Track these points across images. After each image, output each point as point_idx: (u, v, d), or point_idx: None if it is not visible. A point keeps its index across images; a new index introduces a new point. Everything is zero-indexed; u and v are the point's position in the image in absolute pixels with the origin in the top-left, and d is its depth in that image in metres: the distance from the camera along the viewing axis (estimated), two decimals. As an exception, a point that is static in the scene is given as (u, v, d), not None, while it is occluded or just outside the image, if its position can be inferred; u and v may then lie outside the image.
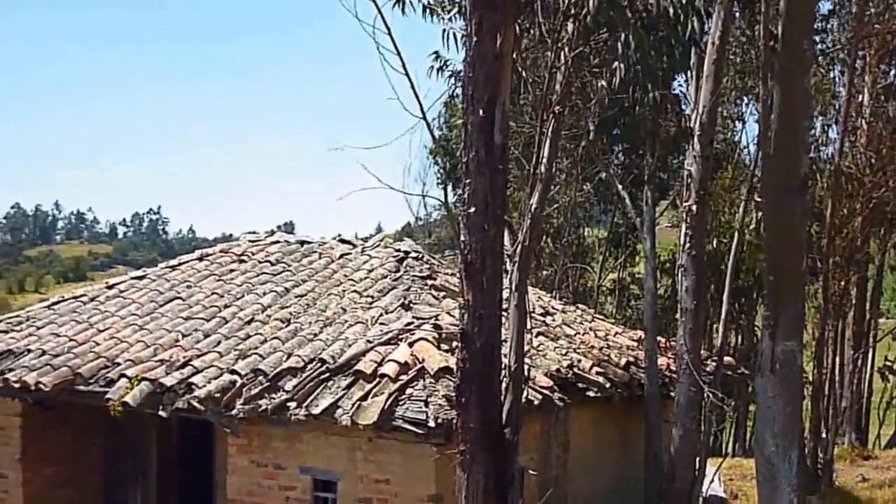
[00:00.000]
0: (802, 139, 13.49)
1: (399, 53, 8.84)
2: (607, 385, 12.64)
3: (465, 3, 8.08)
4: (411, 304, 12.61)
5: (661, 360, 14.17)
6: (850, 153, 20.25)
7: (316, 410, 10.38)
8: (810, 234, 18.02)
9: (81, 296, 14.96)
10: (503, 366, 8.45)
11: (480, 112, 7.86)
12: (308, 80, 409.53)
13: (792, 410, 12.97)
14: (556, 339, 13.56)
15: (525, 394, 9.41)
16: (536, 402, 10.96)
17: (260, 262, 15.37)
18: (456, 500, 8.28)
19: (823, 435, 19.63)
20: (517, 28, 9.37)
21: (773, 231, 13.23)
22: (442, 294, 13.22)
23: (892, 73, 22.68)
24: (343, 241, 16.14)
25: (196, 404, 10.95)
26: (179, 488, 14.02)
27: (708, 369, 14.10)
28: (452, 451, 8.34)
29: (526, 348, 9.00)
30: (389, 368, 10.59)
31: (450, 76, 16.78)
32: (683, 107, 15.19)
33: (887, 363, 27.07)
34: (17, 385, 12.15)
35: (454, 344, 9.37)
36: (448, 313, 12.00)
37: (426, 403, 9.98)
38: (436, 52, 15.96)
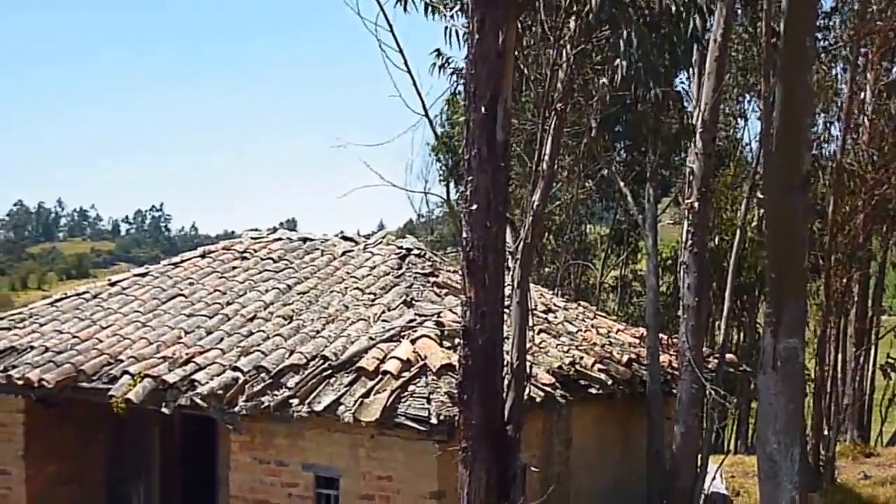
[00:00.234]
0: (804, 136, 13.48)
1: (401, 51, 8.87)
2: (609, 382, 12.66)
3: (468, 0, 8.09)
4: (413, 301, 12.62)
5: (663, 357, 14.18)
6: (853, 150, 20.22)
7: (318, 407, 10.40)
8: (812, 232, 18.00)
9: (84, 293, 14.99)
10: (505, 363, 8.46)
11: (482, 109, 7.86)
12: (310, 77, 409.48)
13: (794, 407, 12.97)
14: (558, 337, 13.57)
15: (527, 391, 9.43)
16: (538, 399, 10.98)
17: (262, 260, 15.39)
18: (458, 496, 8.28)
19: (825, 432, 19.63)
20: (519, 25, 9.39)
21: (775, 228, 13.22)
22: (444, 291, 13.23)
23: (895, 69, 22.68)
24: (345, 239, 16.15)
25: (199, 401, 10.98)
26: (182, 485, 14.05)
27: (710, 366, 14.11)
28: (455, 447, 8.35)
29: (528, 345, 9.01)
30: (392, 365, 10.61)
31: (451, 73, 16.80)
32: (685, 104, 15.19)
33: (889, 360, 27.01)
34: (20, 382, 12.19)
35: (456, 341, 9.37)
36: (450, 310, 12.02)
37: (428, 400, 10.00)
38: (437, 50, 16.00)
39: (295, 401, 10.59)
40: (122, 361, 12.05)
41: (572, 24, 9.82)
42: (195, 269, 15.42)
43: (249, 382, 11.03)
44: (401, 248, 14.94)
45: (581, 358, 12.76)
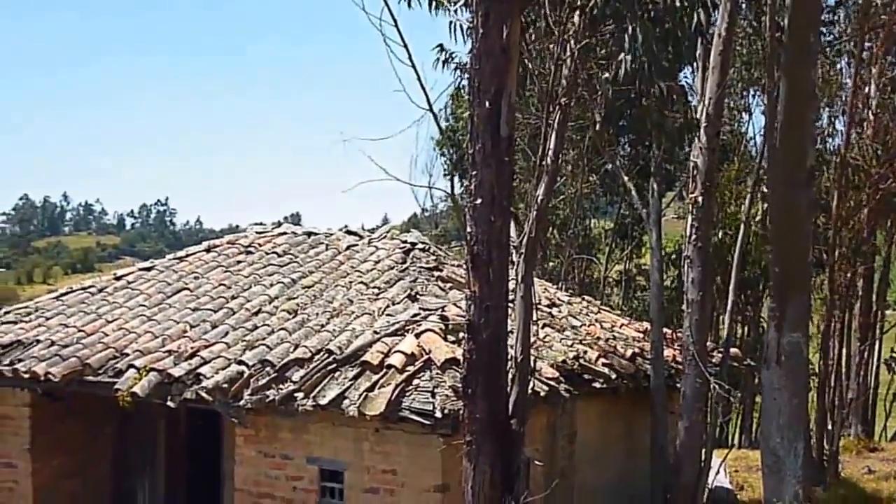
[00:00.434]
0: (809, 131, 13.51)
1: (406, 45, 8.84)
2: (613, 376, 12.67)
3: (472, -5, 8.11)
4: (418, 296, 12.64)
5: (667, 352, 14.18)
6: (857, 145, 20.19)
7: (323, 401, 10.42)
8: (817, 226, 17.97)
9: (90, 287, 15.03)
10: (509, 357, 8.49)
11: (487, 104, 7.89)
12: (315, 73, 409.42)
13: (798, 402, 13.01)
14: (562, 331, 13.59)
15: (531, 385, 9.43)
16: (543, 394, 11.00)
17: (267, 254, 15.42)
18: (462, 490, 8.32)
19: (829, 427, 19.63)
20: (523, 20, 9.40)
21: (779, 223, 13.25)
22: (448, 285, 13.25)
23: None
24: (350, 233, 16.18)
25: (204, 395, 11.01)
26: (187, 478, 14.09)
27: (714, 361, 14.12)
28: (459, 441, 8.39)
29: (532, 340, 9.03)
30: (396, 359, 10.63)
31: (455, 68, 16.78)
32: (690, 98, 15.17)
33: (894, 355, 27.02)
34: (26, 375, 12.23)
35: (461, 335, 9.41)
36: (454, 304, 12.04)
37: (433, 394, 10.02)
38: (440, 45, 15.97)
39: (300, 395, 10.62)
40: (127, 355, 12.09)
41: (576, 19, 9.83)
42: (200, 263, 15.46)
43: (254, 376, 11.06)
44: (405, 242, 14.96)
45: (585, 352, 12.78)
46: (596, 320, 15.30)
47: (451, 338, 11.11)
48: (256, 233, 16.68)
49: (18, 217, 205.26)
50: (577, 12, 9.84)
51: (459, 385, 8.67)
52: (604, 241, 32.26)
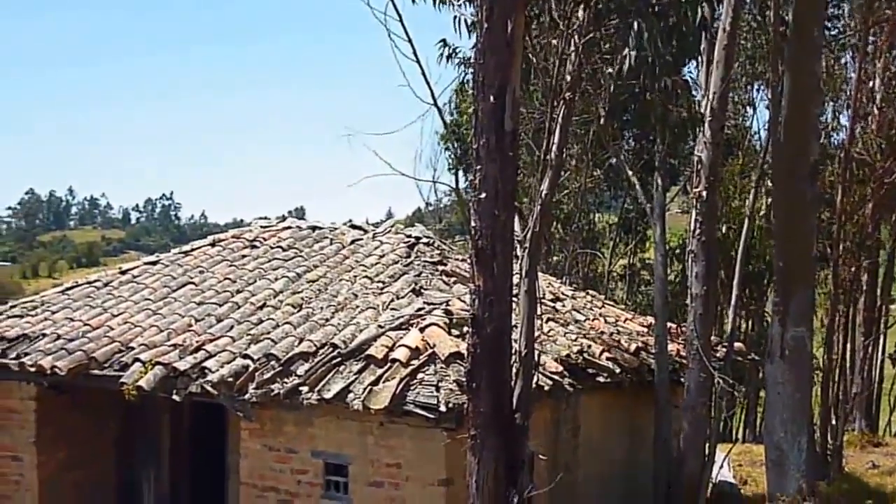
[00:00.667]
0: (813, 125, 13.52)
1: (410, 40, 8.87)
2: (617, 371, 12.69)
3: (476, -10, 8.12)
4: (422, 290, 12.67)
5: (672, 346, 14.19)
6: (861, 139, 20.15)
7: (328, 395, 10.46)
8: (821, 220, 17.96)
9: (95, 281, 15.07)
10: (514, 351, 8.51)
11: (491, 99, 7.90)
12: (319, 69, 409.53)
13: (801, 396, 13.03)
14: (566, 325, 13.60)
15: (535, 379, 9.48)
16: (546, 388, 11.02)
17: (272, 248, 15.44)
18: (466, 484, 8.35)
19: (833, 421, 19.62)
20: (527, 14, 9.41)
21: (783, 217, 13.26)
22: (453, 279, 13.27)
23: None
24: (354, 227, 16.20)
25: (209, 388, 11.05)
26: (192, 471, 14.13)
27: (718, 355, 14.12)
28: (463, 435, 8.41)
29: (536, 334, 9.06)
30: (401, 353, 10.66)
31: (460, 63, 16.81)
32: (694, 93, 15.19)
33: (898, 349, 27.05)
34: (32, 369, 12.28)
35: (465, 329, 9.43)
36: (459, 299, 12.06)
37: (437, 388, 10.05)
38: (443, 40, 16.01)
39: (304, 388, 10.66)
40: (133, 349, 12.13)
41: (581, 13, 9.84)
42: (205, 257, 15.49)
43: (259, 370, 11.10)
44: (410, 236, 14.98)
45: (589, 346, 12.79)
46: (600, 314, 15.31)
47: (455, 332, 11.13)
48: (261, 227, 16.70)
49: (24, 211, 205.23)
50: (582, 7, 9.86)
51: (464, 379, 8.69)
52: (608, 235, 32.24)
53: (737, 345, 15.48)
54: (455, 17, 13.22)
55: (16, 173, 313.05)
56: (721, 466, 15.78)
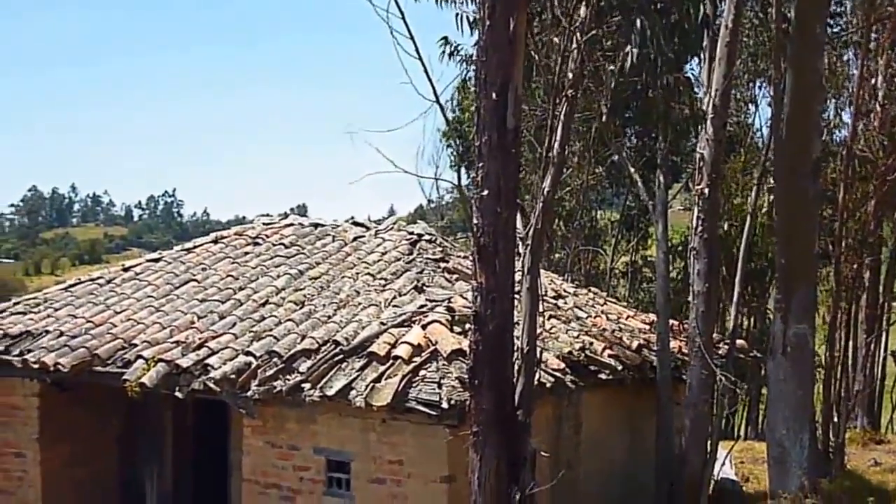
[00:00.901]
0: (815, 122, 13.50)
1: (412, 38, 8.89)
2: (619, 368, 12.70)
3: (479, -13, 8.12)
4: (424, 287, 12.68)
5: (674, 343, 14.20)
6: (864, 136, 20.12)
7: (330, 392, 10.47)
8: (823, 217, 17.94)
9: (98, 278, 15.09)
10: (515, 348, 8.53)
11: (493, 96, 7.91)
12: (321, 67, 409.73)
13: (803, 393, 13.03)
14: (568, 322, 13.62)
15: (537, 376, 9.49)
16: (548, 385, 11.03)
17: (274, 245, 15.46)
18: (468, 481, 8.36)
19: (835, 418, 19.59)
20: (529, 12, 9.41)
21: (785, 214, 13.26)
22: (455, 277, 13.28)
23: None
24: (356, 224, 16.21)
25: (212, 385, 11.06)
26: (194, 468, 14.15)
27: (720, 352, 14.14)
28: (465, 432, 8.42)
29: (538, 331, 9.06)
30: (403, 350, 10.67)
31: (461, 61, 16.83)
32: (696, 90, 15.19)
33: (900, 347, 27.00)
34: (35, 366, 12.30)
35: (467, 326, 9.43)
36: (461, 296, 12.07)
37: (439, 385, 10.06)
38: (444, 38, 16.04)
39: (307, 385, 10.67)
40: (136, 346, 12.15)
41: (583, 11, 9.84)
42: (208, 254, 15.51)
43: (262, 367, 11.11)
44: (412, 233, 14.99)
45: (591, 343, 12.80)
46: (602, 312, 15.33)
47: (457, 329, 11.15)
48: (263, 224, 16.72)
49: (27, 208, 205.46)
50: (584, 4, 9.85)
51: (466, 376, 8.70)
52: (610, 232, 32.22)
53: (739, 342, 15.50)
54: (457, 14, 13.28)
55: (19, 170, 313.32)
56: (723, 464, 15.79)
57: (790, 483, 12.64)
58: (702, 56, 14.03)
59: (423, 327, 11.20)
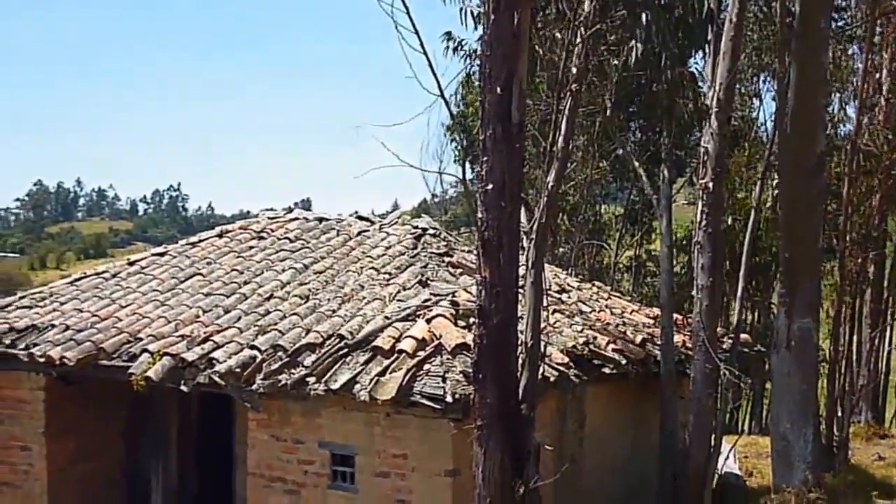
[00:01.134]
0: (820, 116, 13.53)
1: (417, 32, 8.85)
2: (623, 362, 12.70)
3: (483, -19, 8.13)
4: (429, 281, 12.69)
5: (677, 338, 14.20)
6: (868, 130, 20.12)
7: (335, 386, 10.50)
8: (827, 212, 17.94)
9: (104, 272, 15.13)
10: (520, 342, 8.53)
11: (498, 90, 7.91)
12: (327, 57, 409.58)
13: (807, 388, 13.07)
14: (572, 316, 13.62)
15: (541, 370, 9.49)
16: (552, 379, 11.04)
17: (279, 239, 15.49)
18: (473, 474, 8.38)
19: (839, 413, 19.62)
20: (534, 6, 9.41)
21: (789, 208, 13.29)
22: (459, 271, 13.29)
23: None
24: (361, 218, 16.22)
25: (217, 379, 11.10)
26: (199, 462, 14.20)
27: (724, 346, 14.13)
28: (469, 426, 8.44)
29: (542, 325, 9.07)
30: (407, 344, 10.69)
31: (465, 56, 16.83)
32: (700, 84, 15.17)
33: (905, 341, 26.99)
34: (41, 359, 12.34)
35: (471, 320, 9.47)
36: (465, 290, 12.08)
37: (443, 379, 10.08)
38: (448, 33, 16.03)
39: (311, 379, 10.70)
40: (141, 340, 12.19)
41: (587, 5, 9.82)
42: (213, 248, 15.54)
43: (267, 361, 11.15)
44: (416, 227, 15.00)
45: (595, 338, 12.81)
46: (606, 306, 15.33)
47: (461, 323, 11.17)
48: (268, 218, 16.74)
49: (32, 203, 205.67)
50: (588, -2, 9.83)
51: (470, 370, 8.72)
52: (614, 226, 32.22)
53: (743, 336, 15.50)
54: (461, 8, 13.25)
55: (24, 165, 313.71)
56: (726, 458, 15.80)
57: (794, 477, 12.68)
58: (706, 50, 14.02)
59: (428, 321, 11.22)
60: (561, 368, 11.36)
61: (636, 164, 16.77)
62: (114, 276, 14.87)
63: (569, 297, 14.86)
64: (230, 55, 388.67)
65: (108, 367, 12.07)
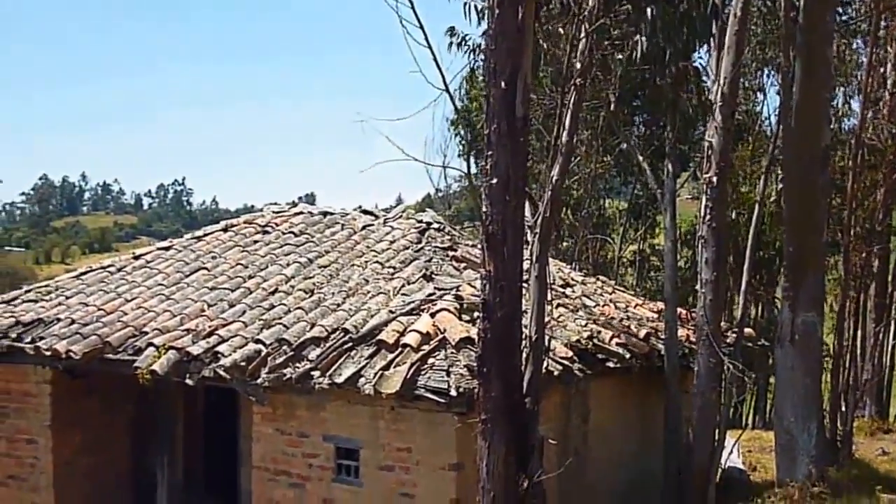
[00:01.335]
0: (824, 111, 13.52)
1: (422, 26, 8.87)
2: (627, 356, 12.73)
3: (488, -24, 8.13)
4: (433, 275, 12.72)
5: (681, 332, 14.21)
6: (872, 124, 20.07)
7: (339, 379, 10.53)
8: (831, 206, 17.92)
9: (109, 266, 15.17)
10: (524, 336, 8.56)
11: (502, 85, 7.93)
12: (331, 53, 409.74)
13: (811, 382, 13.07)
14: (576, 311, 13.64)
15: (545, 364, 9.52)
16: (557, 373, 11.07)
17: (284, 234, 15.51)
18: (477, 468, 8.41)
19: (843, 407, 19.59)
20: (538, 0, 9.41)
21: (793, 202, 13.28)
22: (463, 265, 13.31)
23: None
24: (365, 213, 16.26)
25: (222, 373, 11.13)
26: (205, 455, 14.25)
27: (728, 341, 14.15)
28: (474, 420, 8.46)
29: (546, 319, 9.10)
30: (411, 338, 10.72)
31: (470, 50, 16.84)
32: (704, 79, 15.17)
33: (909, 336, 26.91)
34: (47, 353, 12.39)
35: (475, 314, 9.48)
36: (469, 284, 12.10)
37: (448, 373, 10.10)
38: (451, 28, 16.04)
39: (316, 373, 10.73)
40: (146, 333, 12.23)
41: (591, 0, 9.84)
42: (218, 242, 15.57)
43: (271, 355, 11.17)
44: (420, 222, 15.02)
45: (599, 332, 12.83)
46: (610, 300, 15.34)
47: (465, 317, 11.18)
48: (273, 213, 16.76)
49: (37, 197, 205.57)
50: (592, -7, 9.84)
51: (474, 364, 8.74)
52: (618, 221, 32.19)
53: (747, 330, 15.51)
54: (465, 3, 13.25)
55: (29, 159, 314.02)
56: (730, 452, 15.80)
57: (798, 471, 12.69)
58: (710, 45, 14.00)
59: (432, 315, 11.24)
60: (565, 363, 11.38)
61: (640, 158, 16.77)
62: (119, 270, 14.91)
63: (573, 292, 14.87)
64: (234, 49, 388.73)
65: (113, 361, 12.10)
